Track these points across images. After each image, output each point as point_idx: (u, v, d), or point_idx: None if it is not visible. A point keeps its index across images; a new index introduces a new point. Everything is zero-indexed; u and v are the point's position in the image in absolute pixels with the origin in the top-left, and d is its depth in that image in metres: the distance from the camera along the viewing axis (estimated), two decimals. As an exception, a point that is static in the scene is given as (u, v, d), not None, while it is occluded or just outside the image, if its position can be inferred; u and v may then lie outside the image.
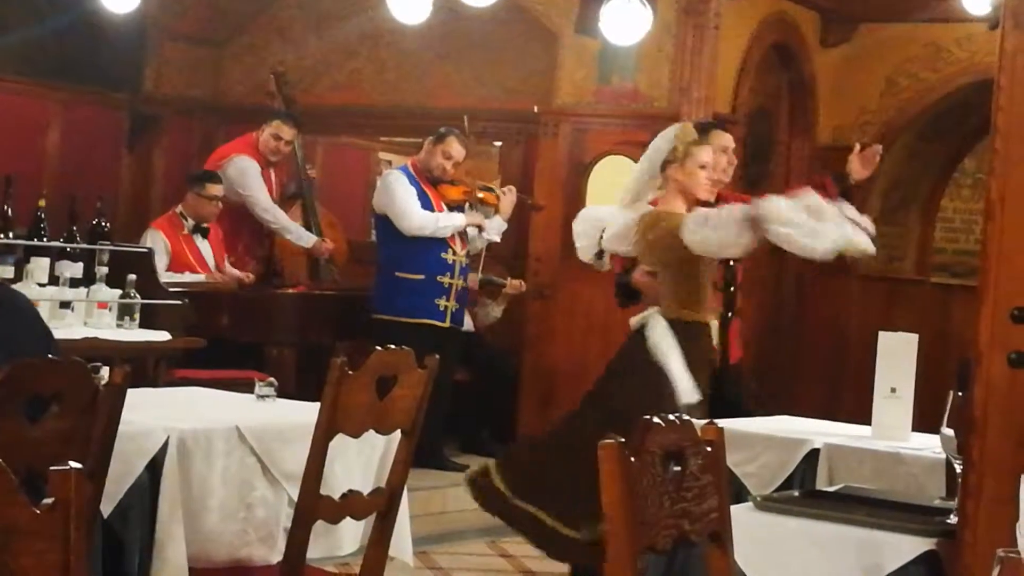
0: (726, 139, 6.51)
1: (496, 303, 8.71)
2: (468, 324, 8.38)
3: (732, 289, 6.50)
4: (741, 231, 5.35)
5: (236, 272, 8.30)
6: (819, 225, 5.22)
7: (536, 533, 5.57)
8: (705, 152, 5.75)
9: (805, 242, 5.24)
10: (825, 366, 9.94)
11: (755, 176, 9.80)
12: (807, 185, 6.30)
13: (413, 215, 7.78)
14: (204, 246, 8.20)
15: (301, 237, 8.52)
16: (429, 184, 7.93)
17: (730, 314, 6.46)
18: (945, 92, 9.69)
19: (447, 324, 7.85)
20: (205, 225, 8.18)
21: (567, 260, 8.79)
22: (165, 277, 7.72)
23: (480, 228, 8.04)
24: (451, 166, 7.92)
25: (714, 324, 5.70)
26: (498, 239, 8.21)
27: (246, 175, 8.46)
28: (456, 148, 7.93)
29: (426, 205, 7.87)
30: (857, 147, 6.37)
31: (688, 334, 5.52)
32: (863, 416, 5.18)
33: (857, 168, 6.31)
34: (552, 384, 8.89)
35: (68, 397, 3.06)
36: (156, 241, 7.98)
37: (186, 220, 8.15)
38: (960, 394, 3.18)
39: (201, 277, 8.01)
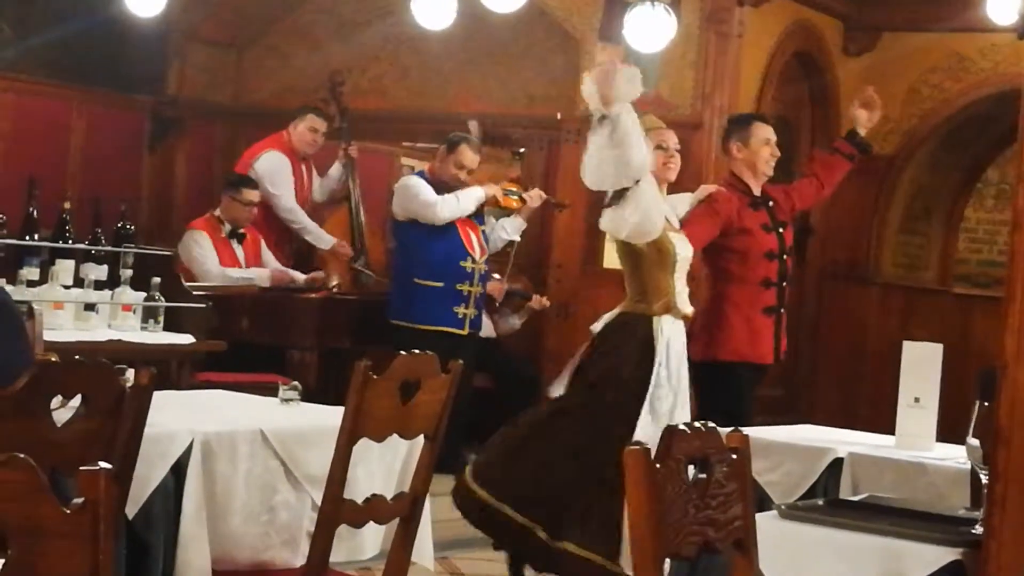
0: (767, 131, 6.58)
1: (518, 315, 8.70)
2: (489, 330, 8.37)
3: (784, 284, 6.52)
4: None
5: (297, 274, 8.32)
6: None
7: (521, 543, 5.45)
8: (666, 134, 5.78)
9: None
10: (843, 374, 9.92)
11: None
12: (829, 153, 6.85)
13: (436, 203, 7.79)
14: (239, 251, 8.25)
15: (320, 239, 8.57)
16: (446, 192, 7.93)
17: (782, 309, 6.50)
18: (968, 102, 9.66)
19: (465, 331, 7.84)
20: (241, 230, 8.23)
21: (589, 267, 8.80)
22: (221, 272, 7.82)
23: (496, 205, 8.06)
24: (464, 175, 7.93)
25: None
26: (517, 238, 8.19)
27: (277, 172, 8.55)
28: (469, 156, 7.93)
29: None
30: (856, 102, 6.81)
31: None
32: (880, 425, 5.18)
33: (862, 116, 6.73)
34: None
35: (94, 398, 3.06)
36: (203, 240, 8.05)
37: (223, 224, 8.20)
38: (986, 404, 3.17)
39: (259, 272, 8.07)
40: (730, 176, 6.65)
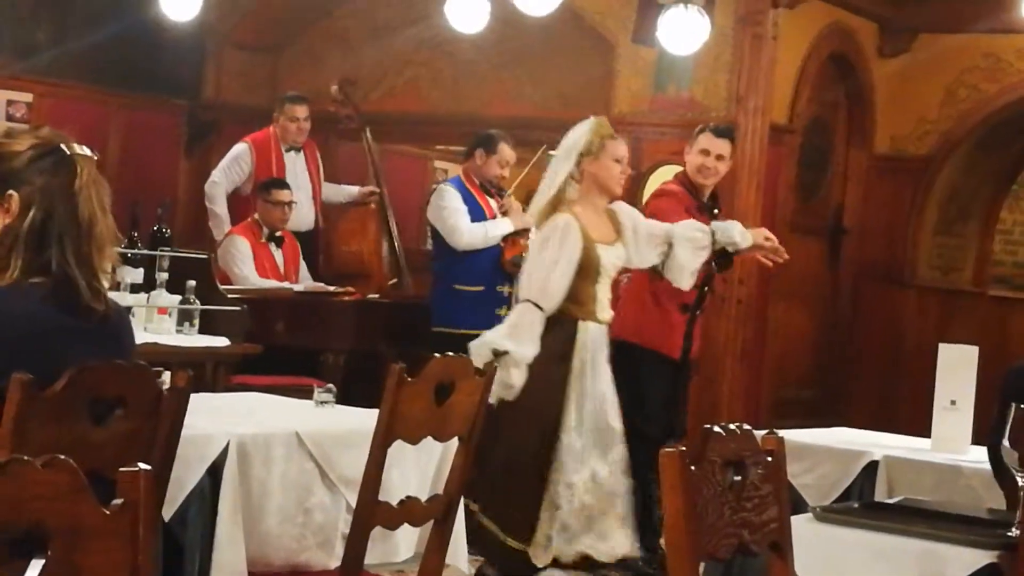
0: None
1: None
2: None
3: (706, 289, 6.69)
4: None
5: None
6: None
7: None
8: (621, 146, 5.83)
9: None
10: (880, 377, 9.89)
11: (811, 185, 9.77)
12: None
13: (463, 232, 7.76)
14: (278, 255, 8.27)
15: (219, 230, 8.53)
16: (482, 192, 7.92)
17: (698, 312, 6.70)
18: (1004, 103, 9.62)
19: (508, 332, 7.84)
20: (279, 234, 8.26)
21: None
22: (257, 282, 7.85)
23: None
24: (507, 172, 7.95)
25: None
26: None
27: (227, 159, 8.65)
28: (509, 153, 7.93)
29: (478, 215, 7.84)
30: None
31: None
32: (918, 427, 5.16)
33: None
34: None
35: (133, 400, 3.08)
36: (242, 246, 8.08)
37: (262, 228, 8.24)
38: (1022, 407, 3.16)
39: (295, 288, 8.08)
40: (683, 176, 6.75)
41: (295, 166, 8.76)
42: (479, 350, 5.53)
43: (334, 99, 8.88)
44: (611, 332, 6.71)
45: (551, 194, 5.81)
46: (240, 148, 8.71)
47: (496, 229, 7.80)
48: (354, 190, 8.95)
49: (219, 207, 8.60)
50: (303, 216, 8.72)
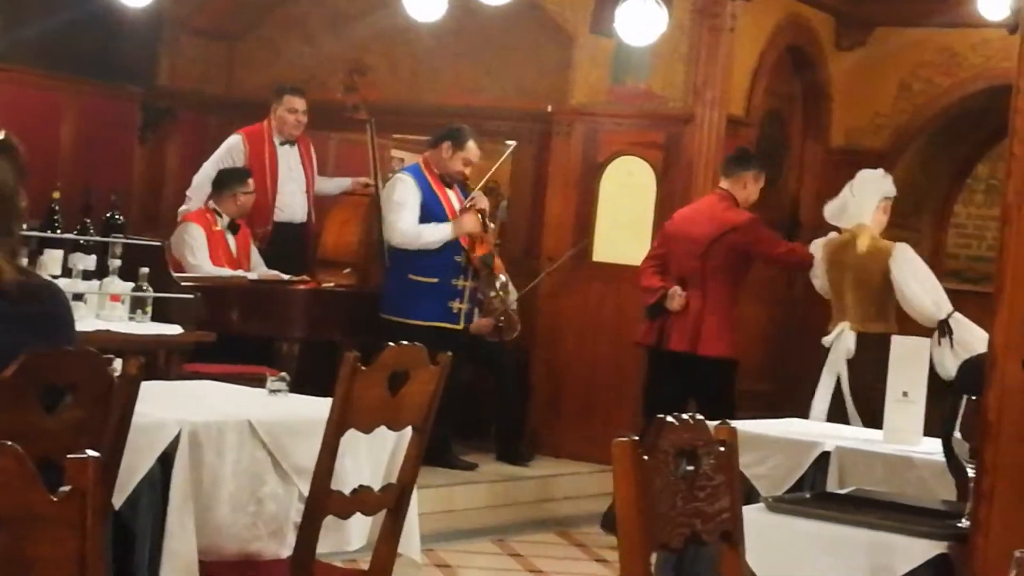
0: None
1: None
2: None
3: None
4: None
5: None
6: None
7: None
8: None
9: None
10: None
11: (767, 178, 9.77)
12: None
13: (397, 231, 7.74)
14: (232, 242, 8.22)
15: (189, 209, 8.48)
16: (441, 183, 7.90)
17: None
18: (959, 97, 9.67)
19: (460, 326, 7.83)
20: (236, 222, 8.21)
21: (579, 259, 8.81)
22: (211, 270, 7.80)
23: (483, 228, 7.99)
24: (469, 170, 7.95)
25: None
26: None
27: (220, 151, 8.57)
28: (475, 152, 7.92)
29: (436, 207, 7.82)
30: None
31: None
32: (875, 419, 5.19)
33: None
34: (562, 383, 8.88)
35: (83, 388, 3.06)
36: (196, 233, 8.01)
37: (220, 216, 8.16)
38: (973, 398, 3.17)
39: (249, 276, 8.02)
40: (726, 193, 7.57)
41: (288, 159, 8.69)
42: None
43: (346, 86, 8.72)
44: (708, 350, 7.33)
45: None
46: (234, 140, 8.61)
47: (432, 236, 7.76)
48: (347, 182, 8.89)
49: (197, 197, 8.52)
50: (296, 209, 8.69)
